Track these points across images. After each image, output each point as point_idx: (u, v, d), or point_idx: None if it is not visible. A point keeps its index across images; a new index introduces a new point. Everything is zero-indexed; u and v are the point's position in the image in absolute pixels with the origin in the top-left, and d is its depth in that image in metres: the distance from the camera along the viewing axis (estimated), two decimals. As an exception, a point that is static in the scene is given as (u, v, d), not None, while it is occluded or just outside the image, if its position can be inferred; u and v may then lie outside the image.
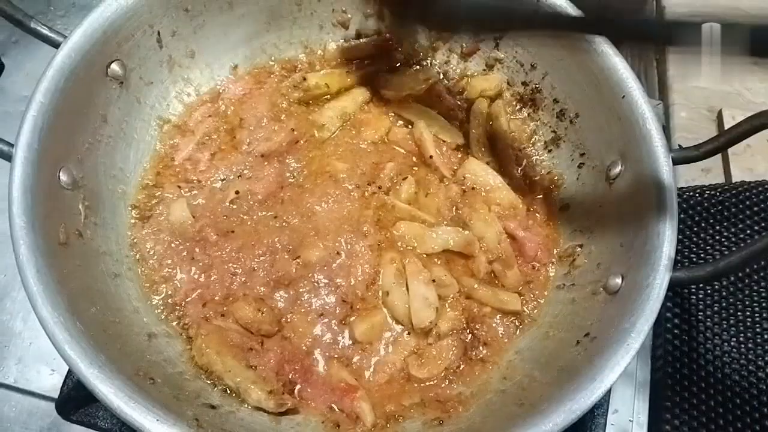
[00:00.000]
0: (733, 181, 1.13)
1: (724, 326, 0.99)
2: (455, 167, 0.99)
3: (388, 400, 0.83)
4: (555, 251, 0.94)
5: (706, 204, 1.08)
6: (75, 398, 0.89)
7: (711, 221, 1.07)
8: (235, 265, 0.89)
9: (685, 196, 1.08)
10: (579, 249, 0.92)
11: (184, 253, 0.90)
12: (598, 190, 0.92)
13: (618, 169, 0.88)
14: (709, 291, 1.02)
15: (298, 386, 0.83)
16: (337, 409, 0.82)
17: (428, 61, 1.09)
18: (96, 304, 0.77)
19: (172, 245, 0.91)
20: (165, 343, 0.83)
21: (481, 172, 0.97)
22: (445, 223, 0.94)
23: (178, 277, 0.89)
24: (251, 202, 0.94)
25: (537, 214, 0.97)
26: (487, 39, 1.03)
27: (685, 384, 0.95)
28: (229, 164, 0.97)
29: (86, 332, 0.68)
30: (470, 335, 0.88)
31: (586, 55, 0.90)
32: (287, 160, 0.99)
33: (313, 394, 0.83)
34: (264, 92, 1.04)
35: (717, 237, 1.07)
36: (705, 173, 1.17)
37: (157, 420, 0.64)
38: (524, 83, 1.03)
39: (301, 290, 0.89)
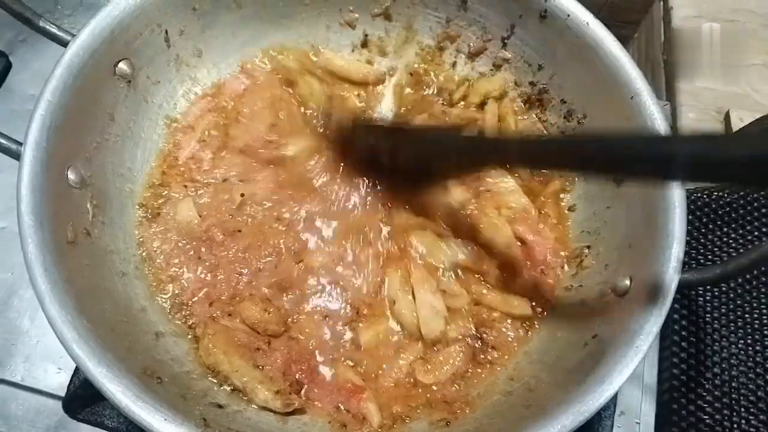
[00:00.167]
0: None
1: (732, 328, 0.98)
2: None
3: (394, 401, 0.83)
4: (563, 253, 0.94)
5: (714, 205, 1.08)
6: (82, 397, 0.89)
7: (719, 223, 1.07)
8: (241, 266, 0.89)
9: (693, 198, 1.08)
10: (587, 250, 0.91)
11: (191, 253, 0.90)
12: (606, 190, 0.91)
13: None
14: (716, 293, 1.02)
15: (304, 387, 0.83)
16: (343, 410, 0.82)
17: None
18: (104, 303, 0.77)
19: (179, 244, 0.91)
20: (172, 342, 0.83)
21: (495, 173, 0.96)
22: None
23: (185, 277, 0.89)
24: (255, 203, 0.94)
25: (547, 217, 0.97)
26: (494, 39, 1.03)
27: (692, 386, 0.94)
28: (230, 164, 0.97)
29: (94, 331, 0.68)
30: (479, 340, 0.87)
31: (595, 56, 0.90)
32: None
33: (320, 394, 0.83)
34: (264, 88, 1.04)
35: (725, 239, 1.06)
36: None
37: (165, 419, 0.64)
38: (532, 83, 1.03)
39: (306, 293, 0.89)
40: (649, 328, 0.71)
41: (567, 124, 0.99)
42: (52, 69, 0.79)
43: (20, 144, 0.74)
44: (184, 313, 0.86)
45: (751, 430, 0.91)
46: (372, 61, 1.09)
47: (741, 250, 1.04)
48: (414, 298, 0.87)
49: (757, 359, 0.95)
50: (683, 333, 0.98)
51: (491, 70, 1.07)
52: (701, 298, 1.00)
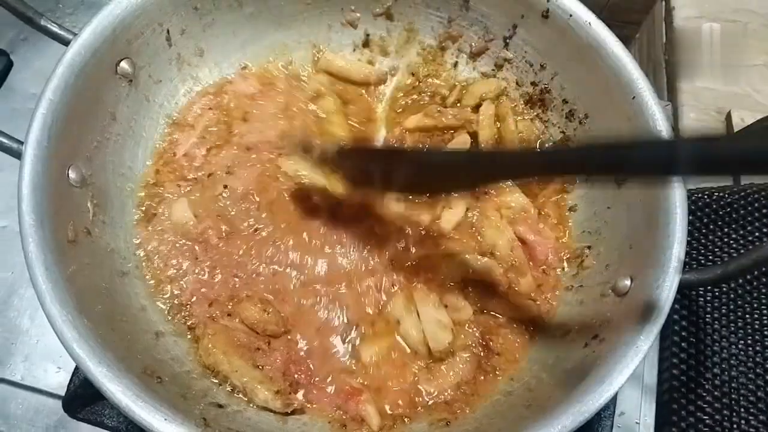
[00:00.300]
0: (742, 183, 1.12)
1: (732, 329, 0.98)
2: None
3: (395, 406, 0.83)
4: (564, 254, 0.94)
5: (714, 206, 1.07)
6: (82, 396, 0.89)
7: (719, 223, 1.07)
8: (236, 269, 0.89)
9: (693, 198, 1.08)
10: (588, 250, 0.91)
11: (188, 253, 0.90)
12: (607, 191, 0.91)
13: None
14: (716, 293, 1.01)
15: (303, 388, 0.83)
16: (342, 411, 0.82)
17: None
18: (104, 302, 0.77)
19: (176, 245, 0.90)
20: (172, 342, 0.83)
21: None
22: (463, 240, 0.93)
23: (184, 277, 0.89)
24: (246, 204, 0.93)
25: (547, 217, 0.96)
26: (496, 38, 1.03)
27: (692, 386, 0.94)
28: (220, 160, 0.96)
29: (94, 330, 0.68)
30: (484, 348, 0.87)
31: (596, 56, 0.90)
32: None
33: (319, 396, 0.83)
34: (278, 93, 1.03)
35: (725, 239, 1.06)
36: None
37: (165, 419, 0.64)
38: (533, 83, 1.03)
39: (303, 303, 0.88)
40: (650, 328, 0.71)
41: (569, 124, 0.99)
42: (53, 68, 0.79)
43: (21, 143, 0.74)
44: (183, 313, 0.86)
45: (751, 430, 0.90)
46: (373, 60, 1.09)
47: (742, 251, 1.04)
48: (418, 315, 0.87)
49: (758, 360, 0.95)
50: (683, 333, 0.98)
51: (493, 70, 1.07)
52: (702, 299, 1.00)
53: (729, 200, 1.07)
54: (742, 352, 0.96)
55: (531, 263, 0.93)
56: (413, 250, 0.91)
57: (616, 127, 0.90)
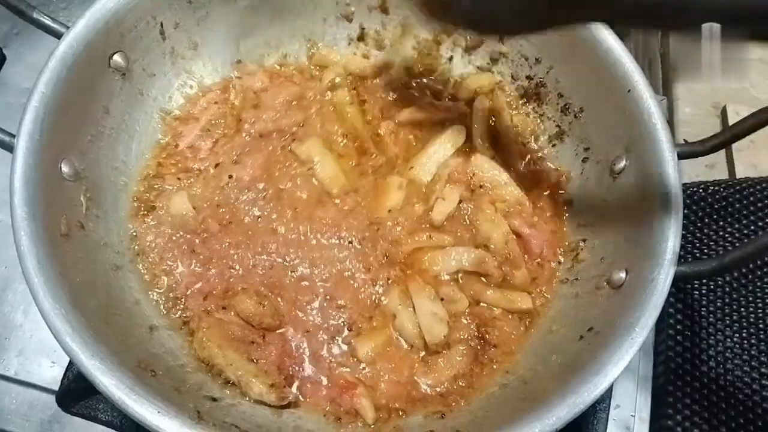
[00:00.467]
0: (737, 177, 1.12)
1: (727, 322, 0.98)
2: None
3: (391, 399, 0.82)
4: (559, 246, 0.94)
5: (710, 200, 1.07)
6: (75, 390, 0.89)
7: (715, 217, 1.07)
8: (233, 261, 0.89)
9: (688, 192, 1.07)
10: (583, 243, 0.91)
11: (185, 246, 0.90)
12: (603, 184, 0.91)
13: (623, 163, 0.87)
14: (712, 287, 1.01)
15: (297, 382, 0.83)
16: (337, 404, 0.82)
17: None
18: (97, 296, 0.76)
19: (173, 238, 0.90)
20: (167, 335, 0.83)
21: (487, 167, 0.96)
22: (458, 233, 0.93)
23: (179, 270, 0.88)
24: (248, 192, 0.93)
25: (542, 210, 0.96)
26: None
27: (688, 379, 0.94)
28: (229, 149, 0.97)
29: (87, 324, 0.68)
30: (481, 340, 0.87)
31: (592, 49, 0.90)
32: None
33: (314, 389, 0.83)
34: (291, 84, 1.04)
35: (721, 233, 1.06)
36: (709, 169, 1.17)
37: (158, 412, 0.64)
38: (528, 77, 1.03)
39: (298, 296, 0.88)
40: (645, 320, 0.71)
41: (564, 117, 0.99)
42: (45, 61, 0.79)
43: (13, 136, 0.74)
44: (178, 306, 0.86)
45: (746, 423, 0.90)
46: (369, 54, 1.09)
47: (737, 244, 1.04)
48: (414, 308, 0.86)
49: (753, 353, 0.95)
50: (679, 326, 0.98)
51: (488, 64, 1.07)
52: (697, 292, 1.00)
53: (724, 194, 1.07)
54: (737, 345, 0.96)
55: (526, 256, 0.93)
56: (408, 242, 0.90)
57: (611, 120, 0.90)
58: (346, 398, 0.81)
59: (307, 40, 1.07)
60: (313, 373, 0.84)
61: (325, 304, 0.87)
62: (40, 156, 0.74)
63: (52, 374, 0.95)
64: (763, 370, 0.94)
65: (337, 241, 0.91)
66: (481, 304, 0.89)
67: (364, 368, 0.84)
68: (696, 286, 1.01)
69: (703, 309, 0.99)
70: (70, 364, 0.90)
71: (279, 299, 0.87)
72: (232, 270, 0.88)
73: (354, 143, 1.00)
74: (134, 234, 0.90)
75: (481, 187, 0.95)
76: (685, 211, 1.02)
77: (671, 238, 0.75)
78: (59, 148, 0.79)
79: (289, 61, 1.08)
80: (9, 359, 0.97)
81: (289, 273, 0.89)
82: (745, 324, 0.98)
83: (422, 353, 0.85)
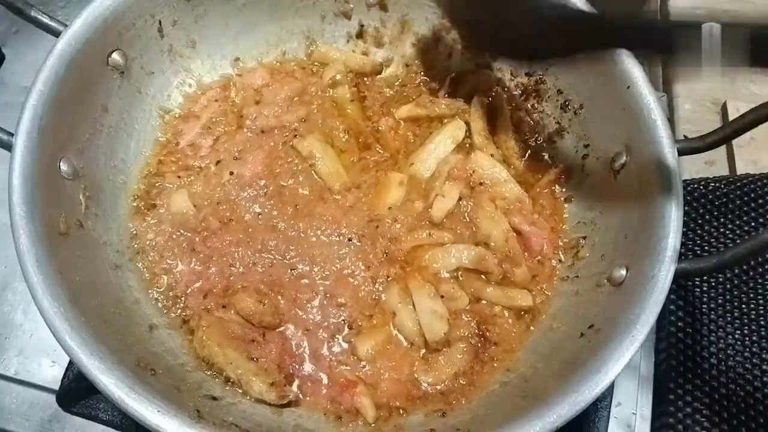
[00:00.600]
0: (738, 174, 1.12)
1: (728, 319, 0.98)
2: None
3: (392, 398, 0.82)
4: (559, 244, 0.94)
5: (710, 196, 1.07)
6: (76, 390, 0.89)
7: (715, 214, 1.07)
8: (233, 259, 0.89)
9: (689, 189, 1.07)
10: (583, 241, 0.91)
11: (185, 245, 0.90)
12: (603, 181, 0.91)
13: (623, 160, 0.87)
14: (713, 284, 1.01)
15: (298, 380, 0.83)
16: (338, 403, 0.82)
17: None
18: (97, 295, 0.76)
19: (173, 236, 0.90)
20: (166, 334, 0.83)
21: (487, 164, 0.95)
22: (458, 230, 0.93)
23: (179, 269, 0.88)
24: (248, 189, 0.93)
25: (542, 208, 0.96)
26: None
27: (689, 377, 0.94)
28: (230, 146, 0.96)
29: (87, 323, 0.68)
30: (481, 338, 0.86)
31: (591, 46, 0.89)
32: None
33: (314, 388, 0.83)
34: (293, 79, 1.03)
35: (721, 230, 1.06)
36: (709, 166, 1.17)
37: (158, 411, 0.64)
38: (528, 74, 1.02)
39: (298, 294, 0.87)
40: (646, 317, 0.71)
41: (563, 114, 0.99)
42: (44, 59, 0.79)
43: (12, 135, 0.74)
44: (178, 305, 0.86)
45: (747, 420, 0.90)
46: (368, 52, 1.09)
47: (737, 241, 1.03)
48: (414, 306, 0.86)
49: (754, 349, 0.95)
50: (680, 323, 0.98)
51: (488, 61, 1.06)
52: (698, 289, 1.00)
53: (725, 190, 1.07)
54: (738, 342, 0.96)
55: (526, 254, 0.92)
56: (408, 239, 0.90)
57: (611, 117, 0.89)
58: (346, 397, 0.81)
59: (306, 37, 1.07)
60: (314, 371, 0.83)
61: (325, 302, 0.87)
62: (39, 154, 0.74)
63: (52, 374, 0.95)
64: (764, 366, 0.94)
65: (338, 239, 0.91)
66: (482, 301, 0.89)
67: (364, 366, 0.84)
68: (696, 283, 1.01)
69: (704, 306, 0.99)
70: (70, 363, 0.90)
71: (279, 297, 0.87)
72: (232, 268, 0.88)
73: (355, 139, 1.00)
74: (134, 232, 0.89)
75: (481, 184, 0.95)
76: (686, 208, 1.01)
77: (672, 235, 0.75)
78: (58, 147, 0.79)
79: (288, 58, 1.07)
80: (9, 359, 0.97)
81: (289, 271, 0.89)
82: (746, 320, 0.98)
83: (423, 351, 0.85)
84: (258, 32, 1.04)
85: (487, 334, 0.87)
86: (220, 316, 0.84)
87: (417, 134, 1.01)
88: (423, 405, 0.81)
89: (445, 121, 1.01)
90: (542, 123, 1.02)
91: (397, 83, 1.07)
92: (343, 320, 0.86)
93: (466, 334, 0.86)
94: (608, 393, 0.93)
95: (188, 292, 0.87)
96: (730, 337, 0.96)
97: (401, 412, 0.81)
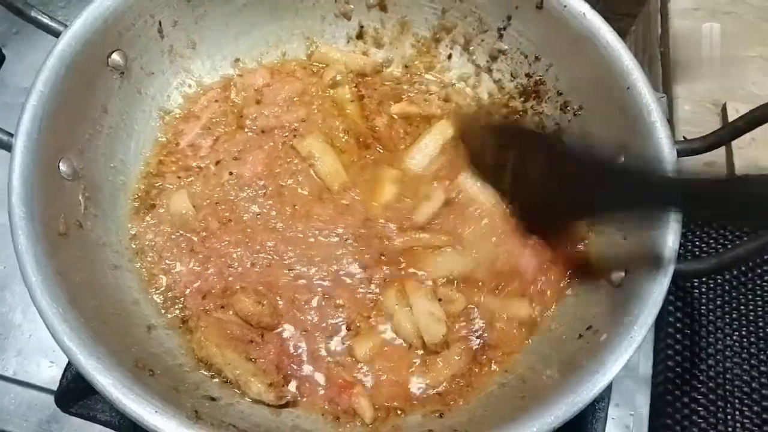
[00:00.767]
0: (737, 175, 1.12)
1: (727, 320, 0.98)
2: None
3: (389, 398, 0.82)
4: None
5: (709, 197, 1.07)
6: (74, 390, 0.89)
7: (714, 215, 1.07)
8: (232, 260, 0.89)
9: (688, 190, 1.07)
10: (582, 243, 0.91)
11: (184, 245, 0.90)
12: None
13: (622, 160, 0.87)
14: (711, 285, 1.01)
15: (296, 381, 0.83)
16: (335, 404, 0.82)
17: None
18: (96, 296, 0.76)
19: (172, 237, 0.90)
20: (165, 335, 0.83)
21: (474, 191, 0.94)
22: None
23: (178, 269, 0.88)
24: (248, 189, 0.93)
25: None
26: (490, 30, 1.02)
27: (687, 378, 0.94)
28: (230, 146, 0.97)
29: (86, 324, 0.68)
30: (479, 341, 0.86)
31: (591, 47, 0.89)
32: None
33: (312, 389, 0.82)
34: (294, 79, 1.04)
35: (720, 231, 1.06)
36: (708, 167, 1.16)
37: (156, 411, 0.64)
38: (528, 75, 1.02)
39: (297, 295, 0.87)
40: (644, 319, 0.71)
41: (563, 115, 0.99)
42: (44, 60, 0.79)
43: (11, 135, 0.74)
44: (176, 306, 0.86)
45: (745, 421, 0.90)
46: (368, 52, 1.09)
47: (736, 242, 1.03)
48: (411, 309, 0.86)
49: (752, 351, 0.95)
50: (678, 325, 0.98)
51: (488, 61, 1.06)
52: (696, 290, 1.00)
53: (724, 192, 1.07)
54: (736, 344, 0.96)
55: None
56: (401, 240, 0.90)
57: (610, 118, 0.89)
58: (344, 397, 0.81)
59: (306, 38, 1.07)
60: (312, 372, 0.83)
61: (323, 303, 0.87)
62: (39, 155, 0.74)
63: (50, 374, 0.95)
64: (762, 368, 0.94)
65: (335, 239, 0.91)
66: (479, 303, 0.89)
67: (362, 367, 0.84)
68: (695, 284, 1.01)
69: (703, 307, 0.99)
70: (69, 364, 0.90)
71: (277, 298, 0.87)
72: (230, 269, 0.88)
73: (355, 139, 1.00)
74: (133, 233, 0.89)
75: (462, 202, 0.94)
76: (685, 209, 1.02)
77: (670, 237, 0.75)
78: (57, 147, 0.79)
79: (288, 59, 1.07)
80: (7, 359, 0.97)
81: (288, 271, 0.89)
82: (744, 322, 0.98)
83: (420, 353, 0.85)
84: (258, 33, 1.04)
85: (486, 336, 0.86)
86: (218, 316, 0.84)
87: (408, 132, 1.02)
88: (421, 406, 0.81)
89: (437, 119, 1.02)
90: (542, 124, 1.02)
91: (396, 84, 1.07)
92: (341, 321, 0.86)
93: (464, 335, 0.86)
94: (606, 394, 0.93)
95: (187, 292, 0.87)
96: (729, 338, 0.96)
97: (399, 413, 0.81)
